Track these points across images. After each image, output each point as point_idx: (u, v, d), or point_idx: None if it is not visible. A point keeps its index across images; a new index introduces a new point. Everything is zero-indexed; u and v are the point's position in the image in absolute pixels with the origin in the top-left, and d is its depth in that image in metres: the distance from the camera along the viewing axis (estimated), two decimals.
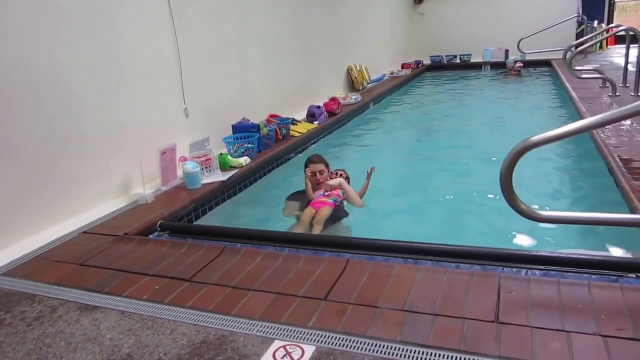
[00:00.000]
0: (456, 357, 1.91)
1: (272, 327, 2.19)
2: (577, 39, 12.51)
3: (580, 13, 13.31)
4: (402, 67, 13.04)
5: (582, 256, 2.62)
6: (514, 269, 2.57)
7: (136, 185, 4.20)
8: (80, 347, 2.17)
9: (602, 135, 4.83)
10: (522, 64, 12.53)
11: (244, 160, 4.86)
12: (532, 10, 13.07)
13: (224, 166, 4.70)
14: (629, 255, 2.78)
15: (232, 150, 5.01)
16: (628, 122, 5.21)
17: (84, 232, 3.50)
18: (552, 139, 2.25)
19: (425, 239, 2.92)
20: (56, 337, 2.26)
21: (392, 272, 2.58)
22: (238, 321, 2.25)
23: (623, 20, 19.15)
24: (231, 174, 4.55)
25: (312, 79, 8.22)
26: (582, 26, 13.28)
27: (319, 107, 7.14)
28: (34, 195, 3.49)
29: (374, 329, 2.11)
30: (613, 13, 16.30)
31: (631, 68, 7.78)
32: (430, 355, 1.94)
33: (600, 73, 8.10)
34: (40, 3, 3.50)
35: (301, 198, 4.28)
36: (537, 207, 2.41)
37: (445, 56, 14.24)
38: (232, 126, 5.49)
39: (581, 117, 6.12)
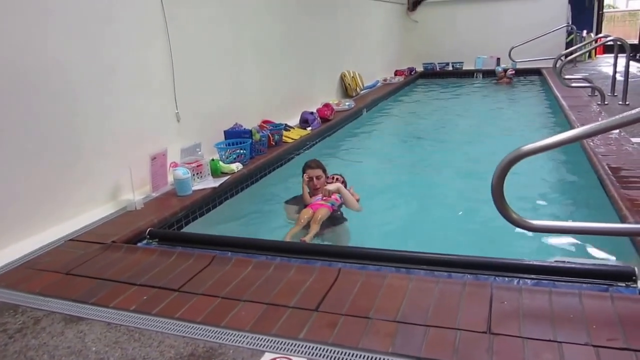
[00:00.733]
0: None
1: (262, 338, 2.14)
2: (566, 48, 12.57)
3: (570, 23, 13.39)
4: (395, 74, 13.03)
5: (573, 265, 2.62)
6: (506, 279, 2.55)
7: (125, 191, 4.13)
8: None
9: (591, 143, 4.84)
10: (513, 72, 12.55)
11: (236, 166, 4.81)
12: (524, 20, 13.12)
13: (216, 172, 4.65)
14: (618, 264, 2.76)
15: (224, 156, 4.96)
16: (616, 130, 5.21)
17: (70, 240, 3.42)
18: (543, 148, 2.25)
19: (417, 248, 2.89)
20: (39, 349, 2.19)
21: (384, 281, 2.54)
22: (228, 333, 2.20)
23: (611, 30, 19.34)
24: (223, 181, 4.50)
25: (306, 85, 8.19)
26: (572, 35, 13.36)
27: (312, 113, 7.11)
28: (19, 201, 3.41)
29: (365, 340, 2.07)
30: (601, 23, 16.44)
31: (619, 77, 7.82)
32: None
33: (590, 82, 8.15)
34: (29, 5, 3.43)
35: (299, 202, 4.27)
36: (529, 216, 2.37)
37: (438, 64, 14.25)
38: (225, 132, 5.44)
39: (571, 126, 6.13)
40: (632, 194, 3.53)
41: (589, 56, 13.92)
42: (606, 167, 4.16)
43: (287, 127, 6.38)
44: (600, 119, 6.19)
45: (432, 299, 2.35)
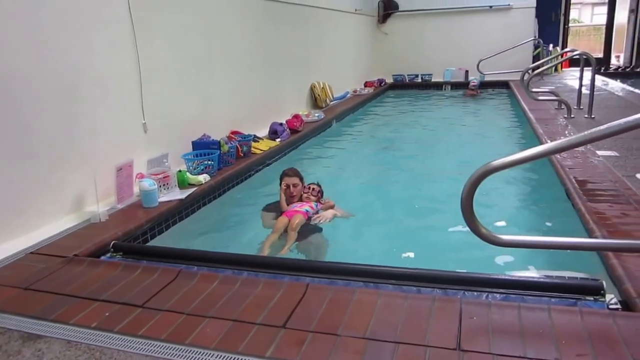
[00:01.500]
0: None
1: (228, 357, 2.09)
2: (533, 61, 12.79)
3: (537, 37, 13.65)
4: (365, 86, 13.09)
5: (542, 279, 2.65)
6: (475, 293, 2.55)
7: (90, 202, 4.03)
8: None
9: (558, 157, 4.89)
10: (475, 83, 12.69)
11: (204, 177, 4.74)
12: (492, 33, 13.33)
13: (183, 184, 4.57)
14: (587, 278, 2.77)
15: (191, 167, 4.89)
16: None
17: (31, 253, 3.31)
18: (513, 163, 2.25)
19: (386, 262, 2.87)
20: None
21: (353, 297, 2.51)
22: (192, 351, 2.14)
23: (576, 43, 19.80)
24: (190, 192, 4.43)
25: (275, 96, 8.15)
26: (539, 49, 13.62)
27: (281, 124, 7.06)
28: None
29: (334, 358, 2.03)
30: (567, 37, 16.79)
31: (585, 91, 7.96)
32: None
33: (556, 95, 8.28)
34: None
35: (277, 209, 4.30)
36: (497, 230, 2.38)
37: (408, 75, 14.36)
38: (193, 142, 5.37)
39: (538, 139, 6.21)
40: (599, 207, 3.58)
41: (555, 69, 14.19)
42: (573, 180, 4.21)
43: (256, 138, 6.33)
44: (566, 132, 6.29)
45: (401, 314, 2.33)
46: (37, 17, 3.73)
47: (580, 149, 5.14)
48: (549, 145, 2.25)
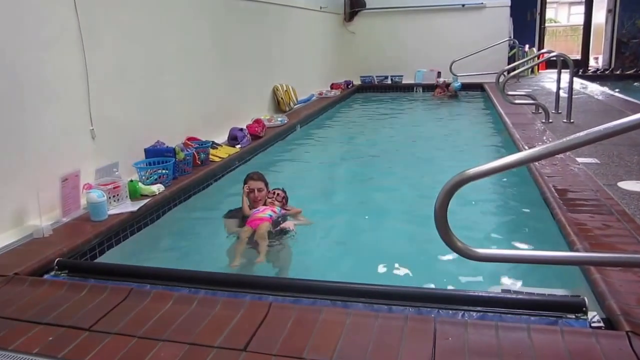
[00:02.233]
0: None
1: None
2: (509, 62, 13.03)
3: (512, 37, 13.89)
4: (332, 88, 13.15)
5: (521, 296, 2.65)
6: (450, 312, 2.56)
7: (32, 216, 3.93)
8: None
9: (537, 164, 4.93)
10: (443, 81, 12.90)
11: (157, 188, 4.69)
12: (465, 33, 13.51)
13: (134, 195, 4.52)
14: (568, 294, 2.81)
15: (144, 177, 4.83)
16: None
17: None
18: (488, 172, 2.25)
19: (355, 278, 2.86)
20: None
21: (320, 316, 2.50)
22: None
23: (553, 44, 20.25)
24: (142, 204, 4.38)
25: (235, 100, 8.12)
26: (514, 50, 13.88)
27: (241, 129, 7.04)
28: None
29: None
30: (544, 37, 17.17)
31: (563, 94, 8.12)
32: None
33: (533, 99, 8.43)
34: None
35: (239, 215, 4.34)
36: (475, 245, 2.38)
37: (377, 77, 14.47)
38: (145, 150, 5.31)
39: (515, 145, 6.30)
40: (580, 217, 3.62)
41: (532, 71, 14.47)
42: (552, 189, 4.27)
43: (214, 145, 6.30)
44: (545, 137, 6.40)
45: (371, 335, 2.33)
46: None
47: (560, 155, 5.22)
48: (526, 153, 2.27)
